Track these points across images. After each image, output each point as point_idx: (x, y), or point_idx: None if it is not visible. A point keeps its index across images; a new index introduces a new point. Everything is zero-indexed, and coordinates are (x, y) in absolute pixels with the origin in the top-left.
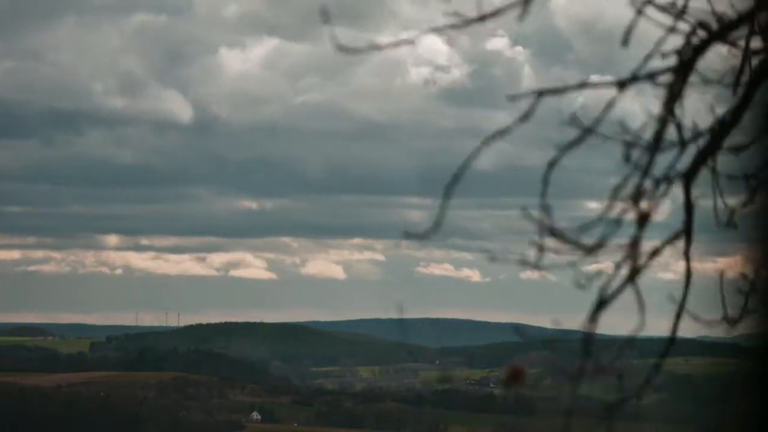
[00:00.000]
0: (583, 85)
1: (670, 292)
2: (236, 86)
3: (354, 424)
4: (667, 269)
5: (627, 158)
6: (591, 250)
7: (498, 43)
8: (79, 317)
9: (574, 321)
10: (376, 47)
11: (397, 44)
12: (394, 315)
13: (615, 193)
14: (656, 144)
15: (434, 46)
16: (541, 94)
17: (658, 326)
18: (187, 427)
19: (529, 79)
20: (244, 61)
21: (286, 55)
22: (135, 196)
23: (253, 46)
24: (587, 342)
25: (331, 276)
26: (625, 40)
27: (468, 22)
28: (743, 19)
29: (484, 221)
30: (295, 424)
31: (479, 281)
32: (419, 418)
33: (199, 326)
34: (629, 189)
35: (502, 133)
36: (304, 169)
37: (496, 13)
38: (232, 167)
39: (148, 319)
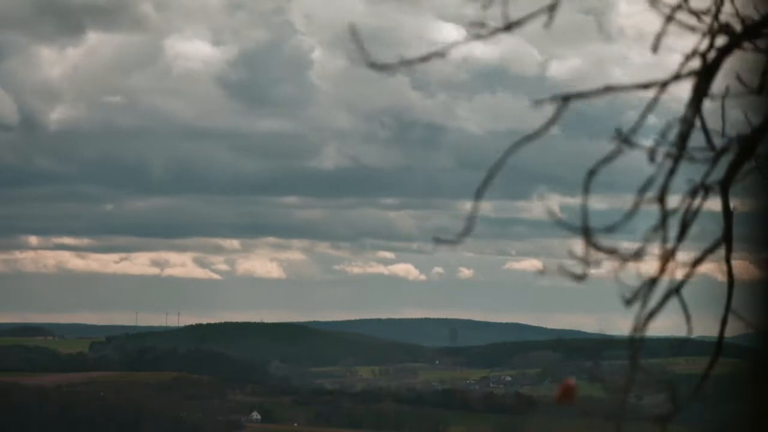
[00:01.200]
0: (608, 89)
1: (708, 295)
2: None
3: (354, 424)
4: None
5: (652, 159)
6: (630, 259)
7: None
8: (79, 317)
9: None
10: (407, 62)
11: (427, 58)
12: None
13: (640, 194)
14: (681, 147)
15: None
16: (566, 98)
17: (675, 327)
18: (187, 427)
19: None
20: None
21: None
22: None
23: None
24: (634, 357)
25: (270, 275)
26: (655, 47)
27: (494, 32)
28: (767, 21)
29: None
30: (295, 424)
31: (416, 279)
32: (419, 418)
33: (199, 326)
34: (654, 191)
35: (530, 137)
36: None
37: (522, 22)
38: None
39: (148, 319)
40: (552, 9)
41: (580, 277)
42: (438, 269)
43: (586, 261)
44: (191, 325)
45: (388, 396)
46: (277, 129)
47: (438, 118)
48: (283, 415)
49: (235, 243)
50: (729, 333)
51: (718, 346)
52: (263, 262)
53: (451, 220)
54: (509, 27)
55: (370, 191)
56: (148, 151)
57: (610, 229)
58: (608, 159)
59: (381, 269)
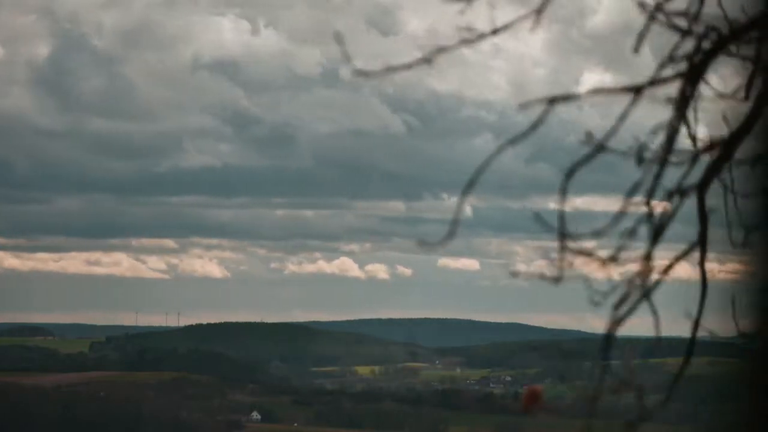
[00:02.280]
0: (594, 92)
1: (683, 299)
2: None
3: (354, 424)
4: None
5: (639, 161)
6: (606, 262)
7: None
8: (79, 317)
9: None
10: (392, 69)
11: (412, 65)
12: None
13: (627, 198)
14: (667, 150)
15: None
16: (552, 101)
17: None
18: (187, 427)
19: None
20: None
21: None
22: None
23: None
24: (604, 360)
25: (211, 275)
26: (637, 47)
27: (481, 36)
28: (755, 24)
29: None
30: (295, 424)
31: (359, 277)
32: (419, 418)
33: (199, 326)
34: (640, 196)
35: (515, 140)
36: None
37: (508, 26)
38: None
39: (148, 319)
40: (539, 13)
41: (556, 280)
42: (380, 268)
43: (561, 262)
44: (191, 325)
45: (388, 396)
46: (131, 130)
47: (281, 117)
48: (283, 415)
49: (168, 242)
50: (727, 334)
51: (689, 351)
52: (202, 262)
53: (359, 219)
54: (496, 31)
55: (249, 191)
56: (11, 150)
57: (596, 234)
58: (583, 161)
59: (330, 268)
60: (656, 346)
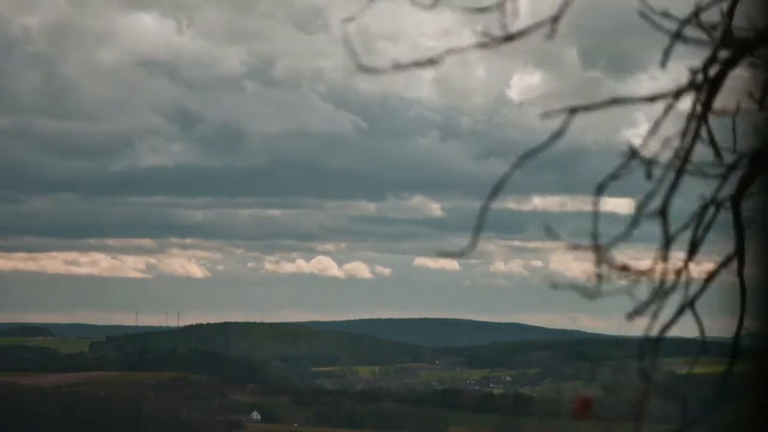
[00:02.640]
0: (614, 102)
1: (715, 301)
2: None
3: (354, 424)
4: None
5: (648, 176)
6: (642, 274)
7: None
8: (79, 317)
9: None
10: (399, 67)
11: (420, 64)
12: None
13: (639, 209)
14: (685, 160)
15: None
16: (573, 110)
17: (688, 327)
18: (187, 427)
19: None
20: None
21: None
22: None
23: None
24: (647, 373)
25: (193, 275)
26: (664, 63)
27: (496, 41)
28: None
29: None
30: (295, 424)
31: (339, 276)
32: (419, 418)
33: (199, 326)
34: (654, 205)
35: (535, 150)
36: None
37: (524, 32)
38: None
39: (148, 319)
40: (555, 21)
41: (593, 294)
42: (360, 267)
43: (600, 277)
44: (191, 325)
45: (388, 396)
46: (78, 130)
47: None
48: (283, 415)
49: (146, 242)
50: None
51: (731, 361)
52: (182, 262)
53: (330, 219)
54: (512, 37)
55: (209, 190)
56: None
57: (611, 244)
58: (617, 173)
59: (309, 267)
60: (701, 353)
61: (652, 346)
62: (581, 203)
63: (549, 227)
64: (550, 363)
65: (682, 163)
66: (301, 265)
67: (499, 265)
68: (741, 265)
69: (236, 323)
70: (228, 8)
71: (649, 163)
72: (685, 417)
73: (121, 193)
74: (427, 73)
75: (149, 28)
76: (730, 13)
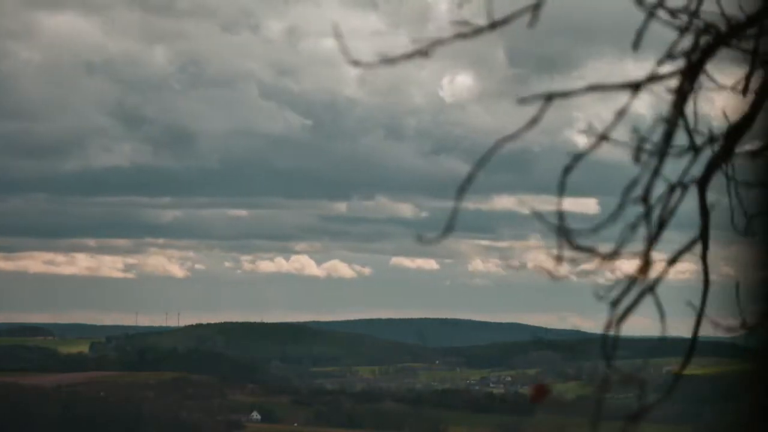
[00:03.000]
0: (592, 89)
1: (685, 295)
2: None
3: (354, 424)
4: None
5: (637, 159)
6: (607, 258)
7: None
8: (79, 317)
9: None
10: (389, 60)
11: (409, 56)
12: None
13: (624, 196)
14: (665, 146)
15: None
16: (549, 97)
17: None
18: (187, 427)
19: None
20: None
21: None
22: None
23: None
24: (608, 354)
25: (174, 275)
26: (636, 44)
27: (478, 31)
28: (752, 20)
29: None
30: (295, 424)
31: (319, 276)
32: (419, 418)
33: (199, 326)
34: (638, 191)
35: (511, 137)
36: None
37: (506, 21)
38: None
39: (148, 319)
40: (536, 8)
41: (558, 277)
42: (341, 266)
43: (559, 258)
44: (191, 325)
45: (388, 396)
46: (26, 129)
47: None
48: (283, 415)
49: (121, 242)
50: (724, 334)
51: (691, 347)
52: (161, 261)
53: (300, 219)
54: (494, 25)
55: (167, 190)
56: None
57: (596, 230)
58: (582, 155)
59: (287, 267)
60: (661, 343)
61: (612, 335)
62: (538, 202)
63: (540, 216)
64: (550, 363)
65: (662, 149)
66: (281, 264)
67: (477, 264)
68: (705, 249)
69: (236, 323)
70: (145, 9)
71: (638, 150)
72: (640, 407)
73: (80, 193)
74: (357, 73)
75: (70, 29)
76: None
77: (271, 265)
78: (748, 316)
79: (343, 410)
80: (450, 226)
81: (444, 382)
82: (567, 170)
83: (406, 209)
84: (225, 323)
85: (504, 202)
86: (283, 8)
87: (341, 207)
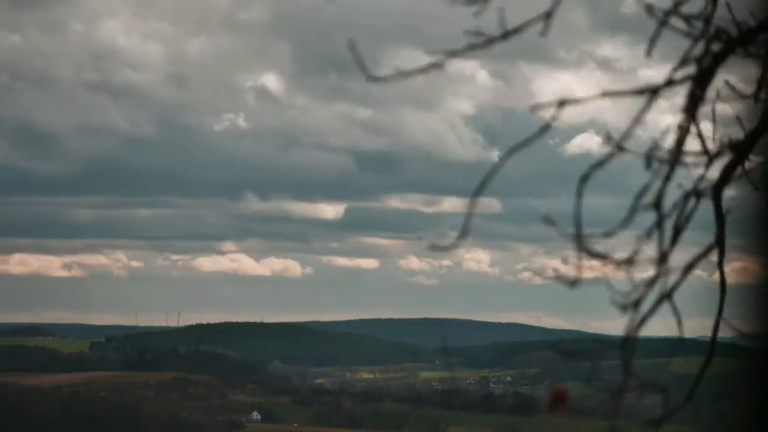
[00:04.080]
0: (604, 95)
1: (702, 298)
2: None
3: (354, 424)
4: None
5: (648, 165)
6: (623, 265)
7: None
8: (79, 317)
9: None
10: (405, 74)
11: (425, 69)
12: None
13: (636, 201)
14: (677, 152)
15: None
16: (562, 103)
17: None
18: (187, 427)
19: None
20: None
21: None
22: None
23: None
24: (627, 360)
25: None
26: (649, 51)
27: (491, 41)
28: (763, 26)
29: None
30: (295, 424)
31: (264, 274)
32: (419, 418)
33: (199, 326)
34: (650, 197)
35: (523, 144)
36: None
37: (518, 30)
38: None
39: (148, 319)
40: (548, 17)
41: (573, 283)
42: (286, 264)
43: (578, 267)
44: (191, 325)
45: (388, 396)
46: None
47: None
48: (283, 415)
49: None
50: (724, 335)
51: (710, 350)
52: (100, 260)
53: (214, 218)
54: (506, 35)
55: (34, 190)
56: None
57: (608, 235)
58: (600, 164)
59: (220, 266)
60: (679, 346)
61: (632, 340)
62: (484, 206)
63: (549, 219)
64: (550, 363)
65: (674, 155)
66: (220, 262)
67: (414, 262)
68: (721, 255)
69: (236, 323)
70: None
71: (649, 157)
72: (666, 410)
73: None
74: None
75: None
76: (713, 4)
77: (209, 264)
78: (763, 319)
79: (343, 410)
80: (463, 234)
81: (444, 382)
82: (584, 179)
83: (307, 207)
84: (225, 323)
85: (454, 204)
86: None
87: (259, 206)
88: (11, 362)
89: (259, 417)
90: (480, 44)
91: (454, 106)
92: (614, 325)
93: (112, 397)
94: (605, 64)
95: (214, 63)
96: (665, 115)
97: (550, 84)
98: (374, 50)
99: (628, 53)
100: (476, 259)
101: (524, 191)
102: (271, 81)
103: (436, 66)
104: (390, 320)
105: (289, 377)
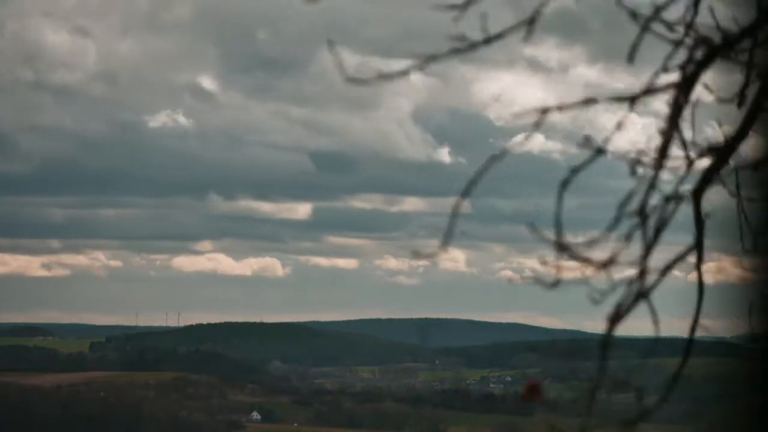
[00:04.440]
0: (588, 102)
1: (681, 299)
2: None
3: (354, 424)
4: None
5: (633, 172)
6: (602, 267)
7: None
8: (79, 317)
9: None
10: (385, 76)
11: (405, 72)
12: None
13: (621, 208)
14: (661, 159)
15: None
16: (545, 110)
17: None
18: (187, 427)
19: None
20: None
21: None
22: None
23: None
24: (603, 358)
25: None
26: (631, 57)
27: (473, 46)
28: (746, 32)
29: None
30: (295, 424)
31: (244, 274)
32: (419, 418)
33: (199, 326)
34: (635, 204)
35: (511, 147)
36: None
37: (501, 36)
38: None
39: (148, 319)
40: (531, 23)
41: (553, 285)
42: (267, 263)
43: (558, 268)
44: (191, 325)
45: (388, 396)
46: None
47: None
48: (283, 415)
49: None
50: (728, 333)
51: (686, 350)
52: (79, 260)
53: (185, 218)
54: (489, 40)
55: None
56: None
57: (591, 243)
58: (581, 168)
59: (200, 266)
60: (655, 345)
61: (608, 339)
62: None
63: (534, 227)
64: (550, 363)
65: (658, 162)
66: (201, 262)
67: (391, 262)
68: (699, 258)
69: (236, 323)
70: None
71: (636, 162)
72: (640, 409)
73: None
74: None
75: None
76: (695, 10)
77: (189, 264)
78: (743, 324)
79: (343, 410)
80: (446, 242)
81: (444, 382)
82: (565, 183)
83: (282, 209)
84: (225, 323)
85: (415, 204)
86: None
87: (227, 207)
88: (11, 362)
89: (259, 417)
90: (462, 48)
91: (394, 105)
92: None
93: (112, 397)
94: (535, 65)
95: (145, 62)
96: (650, 122)
97: (489, 84)
98: (304, 50)
99: (558, 54)
100: (453, 258)
101: (489, 192)
102: (205, 80)
103: (415, 68)
104: (390, 320)
105: (289, 377)
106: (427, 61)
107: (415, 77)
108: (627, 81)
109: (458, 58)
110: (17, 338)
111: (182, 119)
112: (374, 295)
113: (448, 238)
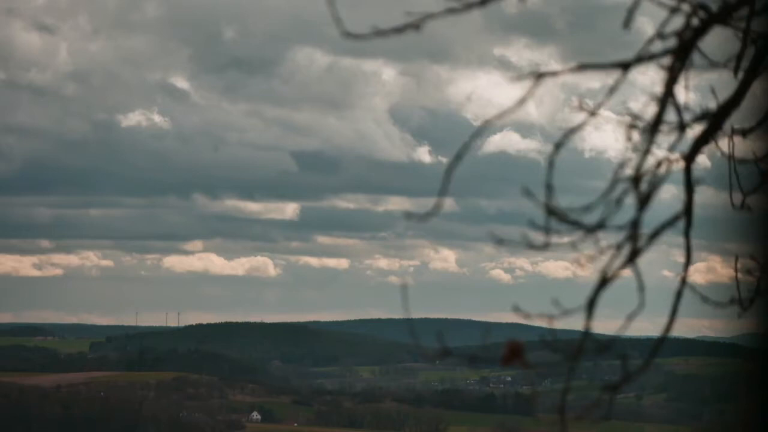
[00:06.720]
0: (583, 67)
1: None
2: None
3: (354, 424)
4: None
5: (628, 138)
6: (592, 230)
7: None
8: (79, 317)
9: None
10: (381, 33)
11: (401, 29)
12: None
13: (615, 174)
14: (656, 125)
15: None
16: (540, 75)
17: (658, 326)
18: (187, 427)
19: None
20: None
21: None
22: None
23: None
24: (587, 322)
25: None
26: (627, 22)
27: (469, 6)
28: (744, 0)
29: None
30: (295, 424)
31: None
32: (419, 418)
33: (199, 326)
34: (629, 170)
35: (501, 115)
36: None
37: None
38: None
39: (148, 319)
40: None
41: (542, 247)
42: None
43: (547, 230)
44: (191, 325)
45: (388, 396)
46: None
47: None
48: (283, 415)
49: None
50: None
51: (673, 311)
52: (69, 259)
53: (169, 217)
54: (485, 1)
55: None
56: None
57: (587, 209)
58: (575, 130)
59: (191, 265)
60: (638, 309)
61: (590, 305)
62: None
63: (528, 191)
64: (550, 363)
65: (653, 129)
66: (193, 263)
67: (382, 262)
68: (688, 225)
69: (236, 323)
70: None
71: (631, 127)
72: (624, 374)
73: None
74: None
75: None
76: None
77: (180, 263)
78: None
79: (343, 410)
80: (437, 206)
81: (444, 382)
82: (558, 146)
83: (268, 208)
84: (225, 323)
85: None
86: None
87: (215, 206)
88: (11, 362)
89: (259, 417)
90: (458, 8)
91: (368, 104)
92: (614, 325)
93: (112, 397)
94: (504, 64)
95: (116, 62)
96: (647, 89)
97: (464, 84)
98: (276, 49)
99: (528, 54)
100: (443, 258)
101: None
102: (177, 79)
103: (412, 26)
104: (390, 320)
105: (289, 377)
106: (423, 19)
107: (388, 76)
108: (602, 80)
109: (448, 18)
110: (17, 338)
111: (157, 118)
112: (369, 294)
113: (443, 194)
